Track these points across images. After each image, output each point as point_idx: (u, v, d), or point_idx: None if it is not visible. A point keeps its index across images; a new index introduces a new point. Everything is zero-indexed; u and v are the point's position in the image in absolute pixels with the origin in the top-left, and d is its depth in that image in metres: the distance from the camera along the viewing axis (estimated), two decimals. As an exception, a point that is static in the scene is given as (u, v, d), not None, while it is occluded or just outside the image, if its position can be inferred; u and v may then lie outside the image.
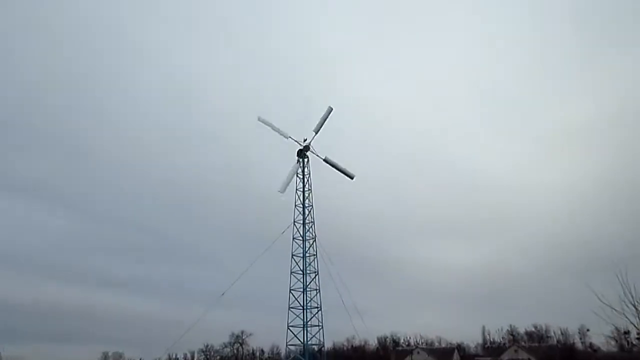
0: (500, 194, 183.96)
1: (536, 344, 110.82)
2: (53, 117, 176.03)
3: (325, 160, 33.58)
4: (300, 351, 31.42)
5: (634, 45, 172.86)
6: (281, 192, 31.94)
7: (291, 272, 31.72)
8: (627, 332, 58.32)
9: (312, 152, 33.45)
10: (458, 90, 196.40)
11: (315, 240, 32.37)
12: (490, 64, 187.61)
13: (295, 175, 33.67)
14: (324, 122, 33.74)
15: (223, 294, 32.94)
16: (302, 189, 33.31)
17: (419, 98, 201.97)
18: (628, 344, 79.21)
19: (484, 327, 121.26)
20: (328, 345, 51.35)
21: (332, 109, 33.59)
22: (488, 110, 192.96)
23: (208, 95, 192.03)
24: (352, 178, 34.30)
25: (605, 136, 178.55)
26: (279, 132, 33.55)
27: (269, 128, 34.04)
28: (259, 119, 33.78)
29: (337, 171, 34.51)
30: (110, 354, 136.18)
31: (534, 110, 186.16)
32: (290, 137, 33.37)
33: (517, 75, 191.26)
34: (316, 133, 33.54)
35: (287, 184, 32.70)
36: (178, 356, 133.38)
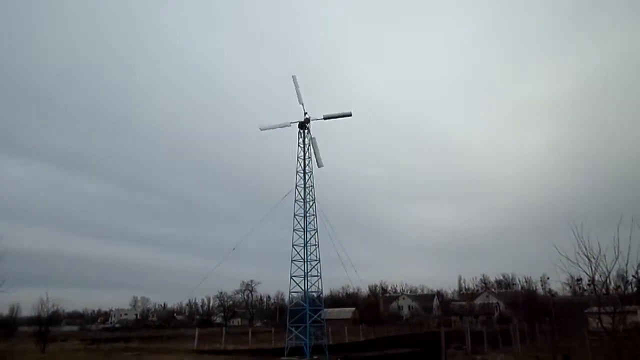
0: (477, 161, 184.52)
1: (504, 290, 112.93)
2: (85, 91, 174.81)
3: (325, 117, 33.43)
4: (302, 297, 32.01)
5: (598, 29, 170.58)
6: (261, 129, 32.70)
7: (293, 230, 32.01)
8: (579, 280, 59.21)
9: (312, 119, 33.30)
10: (441, 69, 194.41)
11: (314, 202, 32.54)
12: (472, 43, 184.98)
13: (297, 144, 33.63)
14: (337, 117, 33.65)
15: (234, 248, 33.32)
16: (302, 157, 33.27)
17: (411, 77, 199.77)
18: (580, 289, 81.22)
19: (460, 276, 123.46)
20: (325, 292, 52.25)
21: (350, 114, 33.40)
22: (469, 84, 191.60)
23: (221, 71, 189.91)
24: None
25: (569, 110, 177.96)
26: (281, 127, 33.37)
27: (272, 130, 33.80)
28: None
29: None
30: (139, 298, 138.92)
31: (508, 86, 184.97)
32: (302, 104, 33.23)
33: (496, 55, 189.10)
34: (324, 119, 33.49)
35: (270, 128, 33.16)
36: (196, 300, 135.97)
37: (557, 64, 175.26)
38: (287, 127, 33.27)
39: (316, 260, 31.76)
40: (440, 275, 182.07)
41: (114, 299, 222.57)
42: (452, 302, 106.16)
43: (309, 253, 31.60)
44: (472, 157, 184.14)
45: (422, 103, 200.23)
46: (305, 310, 30.75)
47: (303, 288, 31.30)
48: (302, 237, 31.72)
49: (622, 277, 15.46)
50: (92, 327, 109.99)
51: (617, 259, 12.54)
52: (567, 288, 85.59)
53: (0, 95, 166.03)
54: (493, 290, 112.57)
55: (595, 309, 16.01)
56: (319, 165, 33.41)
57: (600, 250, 12.76)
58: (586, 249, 12.83)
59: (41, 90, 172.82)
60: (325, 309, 38.37)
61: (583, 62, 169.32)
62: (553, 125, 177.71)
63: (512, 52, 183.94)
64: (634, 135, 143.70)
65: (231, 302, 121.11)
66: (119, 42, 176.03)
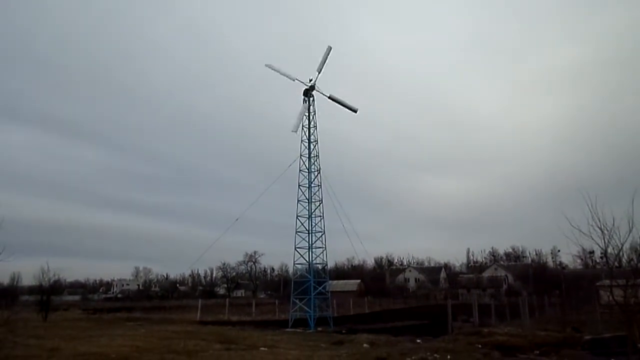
0: (488, 133, 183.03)
1: (513, 263, 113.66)
2: (86, 60, 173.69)
3: (330, 98, 33.04)
4: (306, 269, 32.38)
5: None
6: (294, 132, 31.71)
7: (298, 201, 32.12)
8: (591, 252, 59.51)
9: (317, 90, 32.87)
10: (454, 38, 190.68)
11: (319, 172, 32.53)
12: (482, 15, 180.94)
13: (302, 114, 33.37)
14: (325, 61, 32.87)
15: (237, 219, 33.56)
16: (307, 126, 33.06)
17: (419, 44, 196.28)
18: (592, 261, 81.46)
19: (468, 249, 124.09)
20: (330, 264, 52.92)
21: (330, 48, 32.89)
22: (481, 57, 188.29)
23: (222, 37, 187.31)
24: (355, 112, 33.77)
25: (586, 79, 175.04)
26: (286, 76, 32.80)
27: (277, 73, 33.19)
28: (267, 66, 32.93)
29: (341, 107, 34.01)
30: (140, 269, 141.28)
31: (520, 57, 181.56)
32: (296, 79, 32.65)
33: (506, 25, 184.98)
34: (319, 72, 32.79)
35: (299, 124, 32.44)
36: (199, 271, 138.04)
37: (576, 30, 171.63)
38: (291, 81, 32.84)
39: (321, 231, 32.00)
40: (448, 248, 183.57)
41: (116, 269, 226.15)
42: (460, 275, 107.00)
43: (313, 224, 31.83)
44: (484, 126, 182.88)
45: (434, 71, 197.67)
46: (309, 282, 31.17)
47: (307, 260, 31.66)
48: (307, 208, 31.88)
49: (635, 249, 15.48)
50: (94, 297, 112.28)
51: (630, 231, 12.55)
52: (579, 261, 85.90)
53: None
54: (502, 262, 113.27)
55: (607, 282, 16.10)
56: (354, 110, 33.94)
57: (614, 222, 12.75)
58: (599, 221, 12.82)
59: (40, 56, 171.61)
60: (330, 281, 38.89)
61: (604, 30, 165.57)
62: (568, 94, 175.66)
63: (530, 17, 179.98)
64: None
65: (234, 274, 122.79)
66: (120, 6, 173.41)
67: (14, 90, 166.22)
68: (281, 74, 32.88)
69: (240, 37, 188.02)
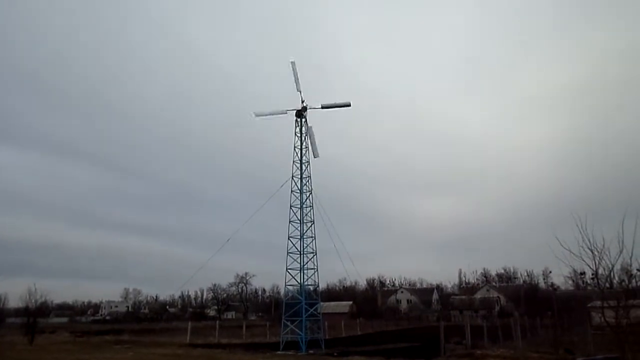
0: (479, 152, 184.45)
1: (505, 284, 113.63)
2: (77, 80, 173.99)
3: (323, 107, 33.20)
4: (298, 290, 32.11)
5: (603, 19, 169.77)
6: (255, 115, 32.29)
7: (290, 221, 31.99)
8: (582, 273, 59.48)
9: (310, 107, 33.08)
10: (445, 60, 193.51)
11: (311, 193, 32.52)
12: (474, 35, 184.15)
13: (294, 134, 33.49)
14: (335, 107, 33.48)
15: (228, 240, 33.29)
16: (299, 147, 33.16)
17: (412, 65, 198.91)
18: (583, 282, 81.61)
19: (460, 270, 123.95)
20: (322, 285, 52.43)
21: (349, 105, 33.20)
22: (472, 74, 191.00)
23: (214, 58, 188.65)
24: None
25: (573, 101, 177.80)
26: (277, 114, 33.12)
27: (268, 117, 33.55)
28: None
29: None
30: (130, 290, 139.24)
31: (512, 76, 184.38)
32: (287, 111, 32.97)
33: (499, 44, 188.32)
34: (300, 92, 32.99)
35: (265, 115, 32.79)
36: (189, 293, 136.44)
37: (561, 54, 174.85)
38: (284, 115, 33.10)
39: (312, 252, 31.82)
40: (440, 269, 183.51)
41: (105, 290, 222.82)
42: (452, 296, 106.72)
43: (305, 245, 31.66)
44: (473, 148, 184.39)
45: (423, 92, 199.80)
46: (301, 304, 30.88)
47: (299, 281, 31.40)
48: (299, 228, 31.76)
49: (626, 270, 15.55)
50: (82, 319, 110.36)
51: (621, 252, 12.61)
52: (570, 282, 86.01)
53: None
54: (494, 284, 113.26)
55: (598, 303, 16.12)
56: (315, 155, 33.33)
57: (604, 243, 12.82)
58: (590, 242, 12.88)
59: (35, 76, 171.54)
60: (322, 303, 38.54)
61: (588, 53, 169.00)
62: (557, 116, 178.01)
63: (516, 40, 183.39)
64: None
65: (225, 295, 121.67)
66: (113, 26, 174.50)
67: (7, 109, 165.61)
68: (273, 115, 33.14)
69: (233, 59, 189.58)
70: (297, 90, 32.88)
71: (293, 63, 33.11)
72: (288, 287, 32.55)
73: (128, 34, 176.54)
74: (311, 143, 33.24)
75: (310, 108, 33.18)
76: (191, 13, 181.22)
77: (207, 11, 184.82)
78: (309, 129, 33.26)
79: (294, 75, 32.81)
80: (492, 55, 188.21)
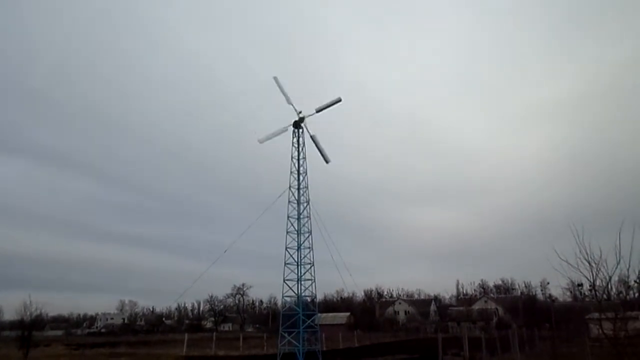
0: (476, 163, 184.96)
1: (503, 295, 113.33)
2: (80, 94, 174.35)
3: (312, 138, 33.31)
4: (295, 301, 31.95)
5: (599, 31, 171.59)
6: (260, 142, 31.90)
7: (287, 232, 31.93)
8: (580, 285, 59.60)
9: (304, 125, 33.17)
10: (441, 74, 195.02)
11: (309, 203, 32.50)
12: (473, 44, 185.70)
13: (291, 144, 33.53)
14: (329, 107, 33.31)
15: (225, 251, 33.13)
16: (297, 157, 33.20)
17: (407, 79, 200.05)
18: (580, 294, 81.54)
19: (458, 281, 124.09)
20: (320, 296, 52.31)
21: (340, 100, 33.33)
22: (469, 86, 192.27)
23: (217, 72, 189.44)
24: (327, 162, 33.86)
25: (570, 113, 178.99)
26: (285, 96, 32.99)
27: (276, 90, 33.35)
28: (260, 142, 32.69)
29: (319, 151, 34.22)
30: (126, 302, 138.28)
31: (509, 88, 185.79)
32: (292, 104, 32.91)
33: (496, 56, 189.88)
34: (317, 112, 33.20)
35: (269, 139, 32.58)
36: (186, 305, 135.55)
37: (557, 66, 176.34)
38: (285, 132, 33.10)
39: (310, 263, 31.71)
40: (437, 280, 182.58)
41: (100, 303, 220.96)
42: (450, 308, 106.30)
43: (302, 256, 31.56)
44: (471, 159, 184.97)
45: (421, 103, 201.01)
46: (298, 315, 30.71)
47: (296, 292, 31.25)
48: (296, 239, 31.67)
49: (623, 282, 15.55)
50: (78, 332, 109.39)
51: (618, 263, 12.60)
52: (568, 293, 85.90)
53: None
54: (492, 295, 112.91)
55: (596, 314, 16.11)
56: (327, 161, 33.51)
57: (601, 254, 12.83)
58: (587, 254, 12.89)
59: (33, 88, 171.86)
60: (319, 314, 38.39)
61: (584, 65, 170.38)
62: (554, 127, 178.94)
63: (512, 53, 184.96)
64: (636, 138, 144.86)
65: (222, 307, 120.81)
66: (113, 39, 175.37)
67: (5, 121, 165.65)
68: (282, 92, 33.12)
69: (230, 71, 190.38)
70: (288, 103, 33.04)
71: (276, 78, 33.37)
72: (285, 298, 32.39)
73: (128, 48, 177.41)
74: (319, 150, 33.36)
75: (307, 116, 33.26)
76: (186, 25, 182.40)
77: (206, 25, 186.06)
78: (313, 137, 33.29)
79: (281, 91, 33.08)
80: (492, 67, 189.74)
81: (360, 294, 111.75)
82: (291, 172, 32.82)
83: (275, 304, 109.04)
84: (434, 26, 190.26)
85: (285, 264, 31.42)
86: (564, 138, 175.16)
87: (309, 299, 32.38)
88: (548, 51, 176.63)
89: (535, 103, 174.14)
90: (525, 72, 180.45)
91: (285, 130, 33.16)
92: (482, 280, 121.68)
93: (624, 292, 15.61)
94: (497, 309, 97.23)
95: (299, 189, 32.49)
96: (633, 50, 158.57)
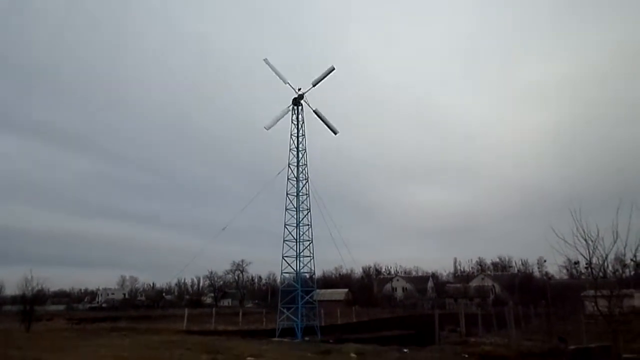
0: (476, 144, 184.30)
1: (500, 273, 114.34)
2: (82, 69, 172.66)
3: (315, 112, 33.16)
4: (294, 278, 32.27)
5: (599, 13, 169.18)
6: (266, 129, 31.96)
7: (286, 209, 32.07)
8: (576, 263, 59.97)
9: (304, 101, 32.98)
10: (442, 50, 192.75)
11: (308, 180, 32.56)
12: (471, 31, 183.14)
13: (291, 121, 33.43)
14: (324, 78, 33.07)
15: (224, 228, 33.37)
16: (296, 134, 33.13)
17: (406, 55, 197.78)
18: (577, 272, 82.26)
19: (455, 259, 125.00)
20: (318, 273, 52.70)
21: (334, 68, 33.09)
22: (469, 69, 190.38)
23: (217, 47, 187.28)
24: (335, 134, 33.85)
25: (570, 93, 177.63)
26: (279, 76, 32.87)
27: (271, 71, 33.25)
28: (265, 61, 32.92)
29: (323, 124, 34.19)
30: (127, 277, 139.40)
31: (508, 70, 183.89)
32: (288, 83, 32.73)
33: (497, 36, 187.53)
34: (313, 86, 32.98)
35: (274, 123, 32.52)
36: (186, 280, 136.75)
37: (557, 47, 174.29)
38: (281, 87, 33.06)
39: (309, 240, 31.93)
40: (435, 257, 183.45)
41: (101, 278, 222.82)
42: (447, 285, 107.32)
43: (301, 233, 31.76)
44: (470, 138, 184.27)
45: (421, 81, 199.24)
46: (297, 291, 31.04)
47: (295, 269, 31.54)
48: (295, 216, 31.82)
49: (620, 260, 15.67)
50: (79, 307, 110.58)
51: (615, 242, 12.69)
52: (564, 271, 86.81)
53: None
54: (489, 272, 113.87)
55: (591, 292, 16.28)
56: (334, 132, 33.70)
57: (598, 233, 12.90)
58: (584, 232, 12.96)
59: (34, 63, 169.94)
60: (318, 290, 38.78)
61: (584, 46, 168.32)
62: (553, 108, 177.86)
63: (513, 33, 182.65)
64: (634, 120, 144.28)
65: (221, 283, 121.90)
66: (110, 18, 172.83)
67: (6, 96, 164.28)
68: (276, 72, 32.95)
69: (232, 48, 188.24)
70: (285, 83, 32.90)
71: (266, 60, 33.17)
72: (284, 274, 32.74)
73: (131, 23, 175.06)
74: (325, 122, 33.40)
75: (305, 102, 33.10)
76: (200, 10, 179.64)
77: (205, 4, 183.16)
78: (315, 111, 33.16)
79: (274, 71, 32.94)
80: (492, 48, 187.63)
81: (358, 271, 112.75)
82: (290, 149, 32.82)
83: (275, 280, 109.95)
84: (436, 6, 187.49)
85: (284, 240, 31.64)
86: (564, 118, 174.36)
87: (307, 275, 32.72)
88: (549, 32, 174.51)
89: (539, 83, 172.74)
90: (530, 50, 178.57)
91: (287, 111, 33.07)
92: (479, 258, 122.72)
93: (620, 270, 15.75)
94: (494, 286, 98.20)
95: (297, 165, 32.50)
96: (634, 33, 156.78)
